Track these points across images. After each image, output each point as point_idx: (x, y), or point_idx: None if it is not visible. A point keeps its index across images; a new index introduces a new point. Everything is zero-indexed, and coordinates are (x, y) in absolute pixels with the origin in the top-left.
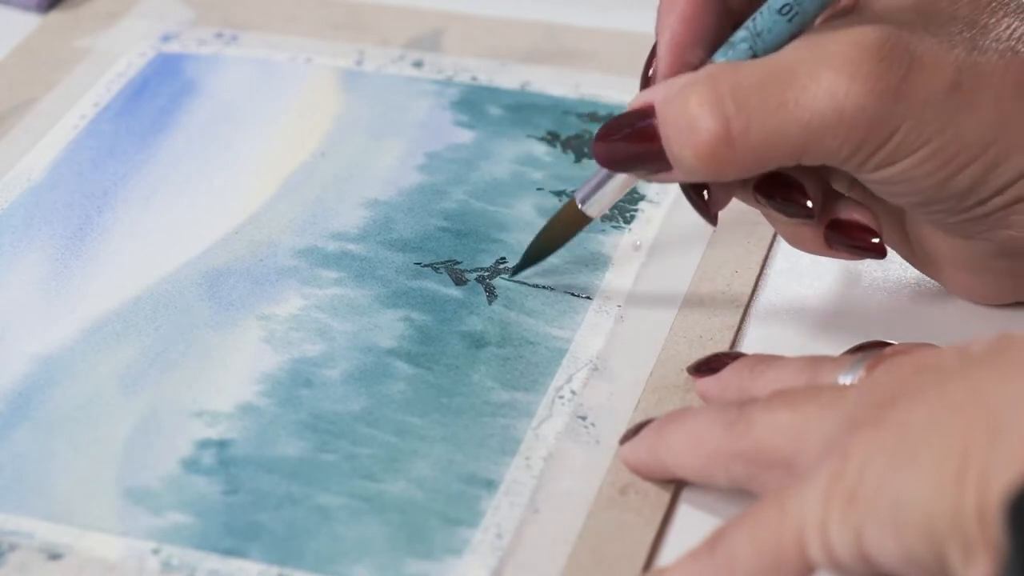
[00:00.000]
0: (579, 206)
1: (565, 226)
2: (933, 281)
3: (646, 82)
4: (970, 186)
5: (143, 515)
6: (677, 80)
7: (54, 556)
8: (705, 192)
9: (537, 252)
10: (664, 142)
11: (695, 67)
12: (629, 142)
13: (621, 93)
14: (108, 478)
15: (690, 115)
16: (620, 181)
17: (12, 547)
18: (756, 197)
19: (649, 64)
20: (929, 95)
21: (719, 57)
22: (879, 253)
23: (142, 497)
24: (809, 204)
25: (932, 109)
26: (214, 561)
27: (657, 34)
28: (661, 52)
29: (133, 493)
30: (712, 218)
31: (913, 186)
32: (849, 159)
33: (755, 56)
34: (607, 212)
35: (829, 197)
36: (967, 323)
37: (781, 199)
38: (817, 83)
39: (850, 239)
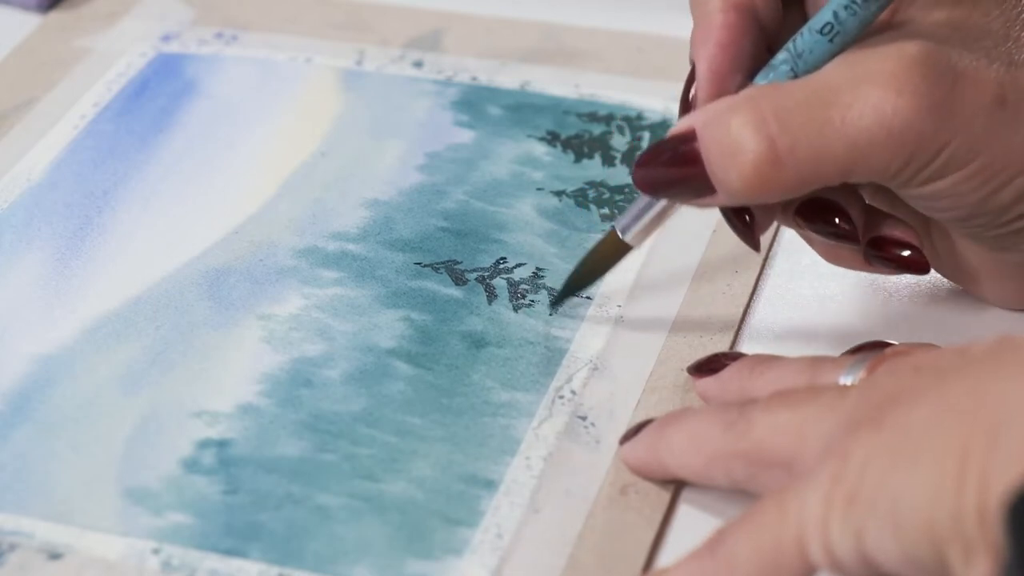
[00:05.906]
0: (620, 235)
1: (606, 256)
2: (933, 281)
3: (685, 107)
4: (1013, 199)
5: (143, 515)
6: (717, 104)
7: (54, 556)
8: (747, 216)
9: (578, 282)
10: (707, 166)
11: (735, 93)
12: (670, 167)
13: (621, 93)
14: (108, 478)
15: (733, 137)
16: (660, 208)
17: (12, 547)
18: (797, 222)
19: (687, 89)
20: (976, 110)
21: (760, 80)
22: (920, 268)
23: (142, 497)
24: (850, 227)
25: (980, 124)
26: (214, 561)
27: (694, 61)
28: (700, 80)
29: (133, 493)
30: (755, 243)
31: (957, 201)
32: (896, 176)
33: (796, 77)
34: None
35: (868, 215)
36: (968, 323)
37: (823, 223)
38: (863, 100)
39: (890, 256)
